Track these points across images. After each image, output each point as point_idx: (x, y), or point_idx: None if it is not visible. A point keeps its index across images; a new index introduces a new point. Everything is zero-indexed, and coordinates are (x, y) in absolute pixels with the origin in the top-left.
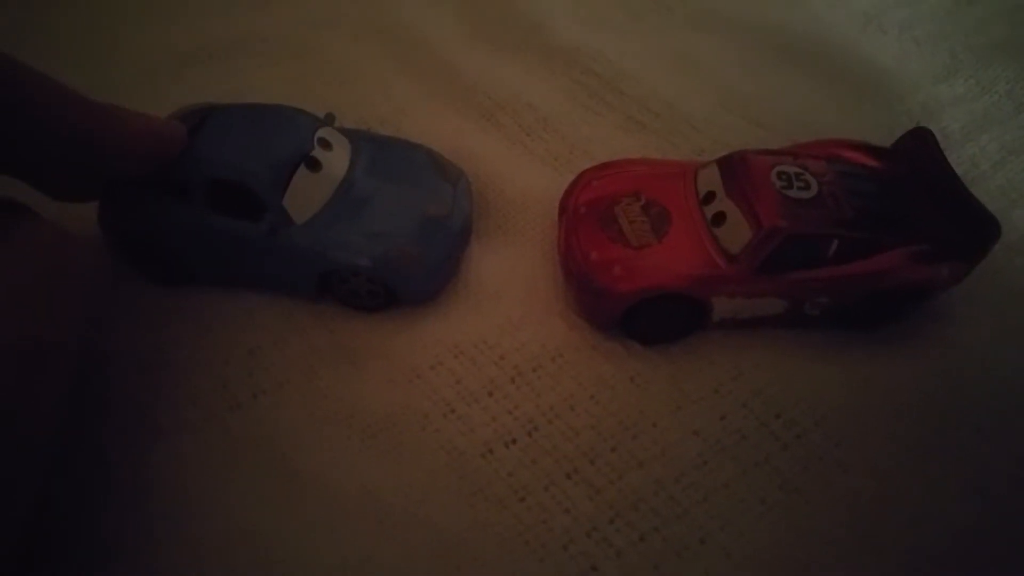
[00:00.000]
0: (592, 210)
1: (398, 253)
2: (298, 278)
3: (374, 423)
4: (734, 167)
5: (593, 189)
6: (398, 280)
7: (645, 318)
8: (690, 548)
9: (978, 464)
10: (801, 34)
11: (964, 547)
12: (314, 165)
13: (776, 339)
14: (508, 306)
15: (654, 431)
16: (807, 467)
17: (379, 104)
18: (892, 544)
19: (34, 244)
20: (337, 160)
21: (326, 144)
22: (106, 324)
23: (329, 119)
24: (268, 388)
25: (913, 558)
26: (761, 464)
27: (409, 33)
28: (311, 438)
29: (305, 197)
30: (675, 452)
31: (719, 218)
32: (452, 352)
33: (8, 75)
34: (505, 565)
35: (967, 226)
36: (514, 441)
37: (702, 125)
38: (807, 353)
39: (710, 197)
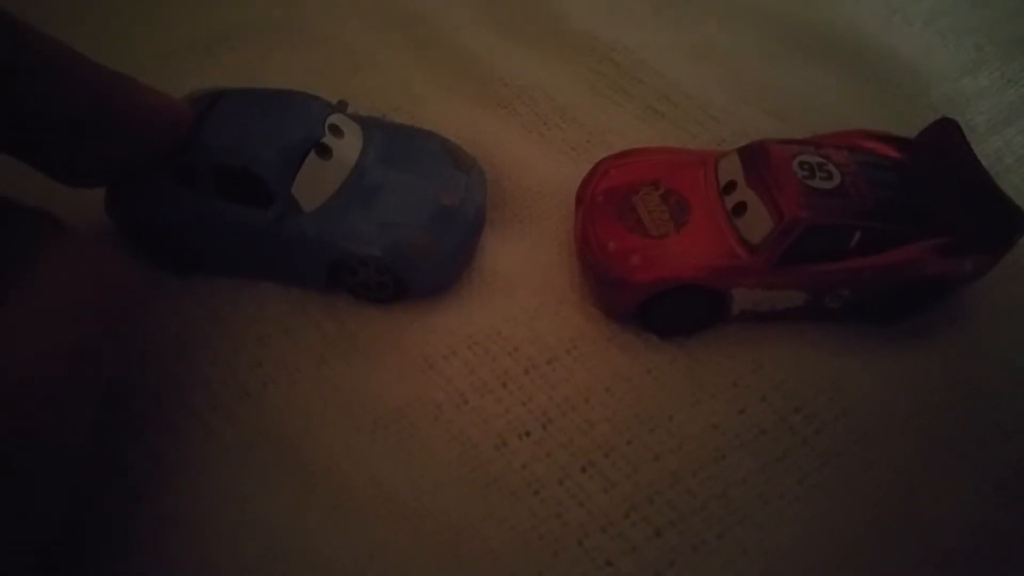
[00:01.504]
0: (610, 199)
1: (409, 243)
2: (307, 268)
3: (386, 414)
4: (755, 156)
5: (611, 178)
6: (409, 271)
7: (663, 309)
8: (707, 543)
9: (1000, 461)
10: (823, 25)
11: (986, 544)
12: (324, 152)
13: (796, 332)
14: (523, 297)
15: (671, 424)
16: (827, 462)
17: (395, 92)
18: (913, 541)
19: (80, 263)
20: (348, 147)
21: (337, 131)
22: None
23: (341, 106)
24: (278, 378)
25: (934, 555)
26: (781, 459)
27: (426, 22)
28: (322, 429)
29: (315, 185)
30: (692, 446)
31: (740, 208)
32: (466, 343)
33: (19, 37)
34: (518, 559)
35: (992, 218)
36: (528, 433)
37: (721, 116)
38: (828, 346)
39: (731, 187)
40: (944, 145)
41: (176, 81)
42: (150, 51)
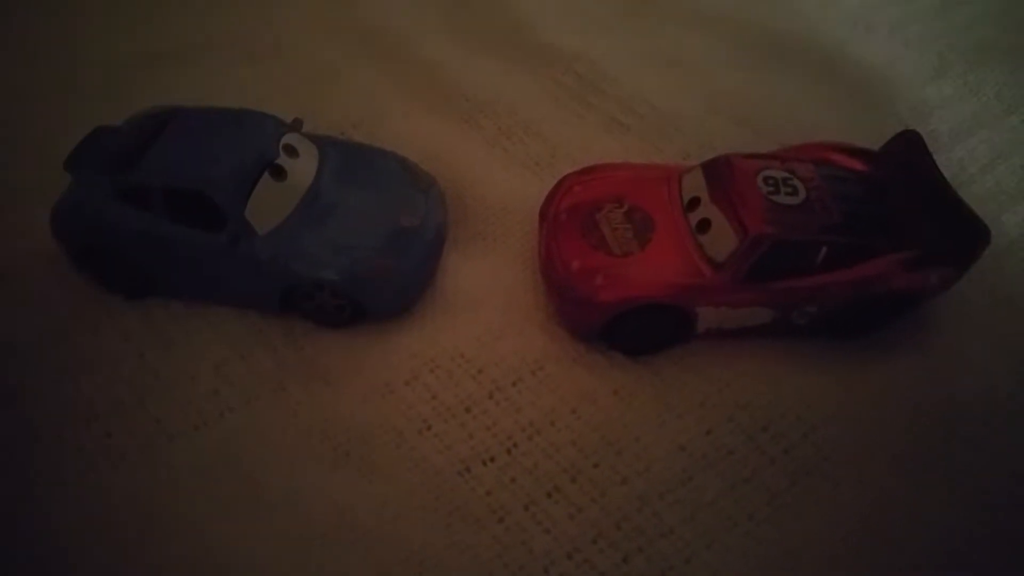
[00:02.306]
0: (573, 216)
1: (366, 266)
2: (261, 292)
3: (347, 440)
4: (719, 171)
5: (575, 195)
6: (366, 295)
7: (628, 328)
8: (675, 568)
9: (970, 474)
10: (789, 34)
11: (959, 559)
12: (279, 173)
13: (763, 349)
14: (486, 317)
15: (637, 446)
16: (795, 481)
17: (355, 106)
18: (885, 558)
19: None
20: (303, 168)
21: (292, 151)
22: (62, 339)
23: (296, 124)
24: (235, 406)
25: (907, 571)
26: (749, 479)
27: (389, 34)
28: (281, 457)
29: (269, 207)
30: (659, 468)
31: (704, 225)
32: (428, 366)
33: None
34: None
35: (957, 232)
36: (492, 459)
37: (688, 127)
38: (795, 363)
39: (695, 203)
40: (908, 157)
41: (132, 95)
42: (105, 63)
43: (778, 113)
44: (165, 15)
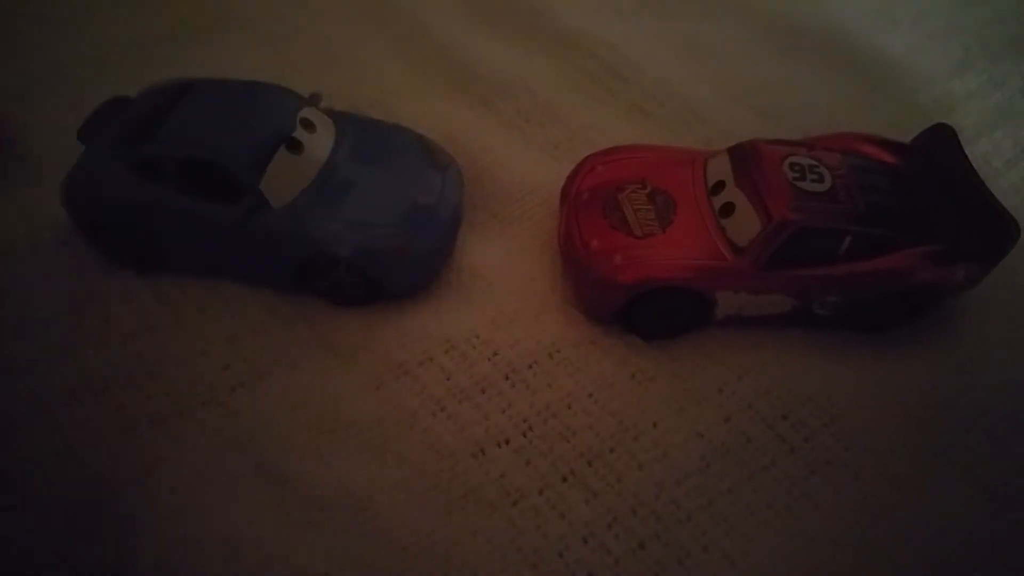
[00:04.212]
0: (595, 197)
1: (381, 243)
2: (275, 266)
3: (359, 421)
4: (746, 156)
5: (597, 175)
6: (381, 271)
7: (647, 311)
8: (692, 555)
9: (991, 469)
10: (811, 23)
11: (978, 553)
12: (295, 147)
13: (783, 338)
14: (502, 299)
15: (655, 432)
16: (815, 471)
17: (371, 86)
18: (903, 550)
19: None
20: (320, 143)
21: (309, 125)
22: (73, 313)
23: (314, 99)
24: (247, 382)
25: (925, 564)
26: (768, 468)
27: (405, 15)
28: (293, 436)
29: (285, 180)
30: (677, 454)
31: (727, 209)
32: (442, 347)
33: None
34: (496, 572)
35: (985, 227)
36: (507, 441)
37: (708, 114)
38: (816, 353)
39: (719, 187)
40: (939, 151)
41: (149, 71)
42: (124, 40)
43: (799, 103)
44: None
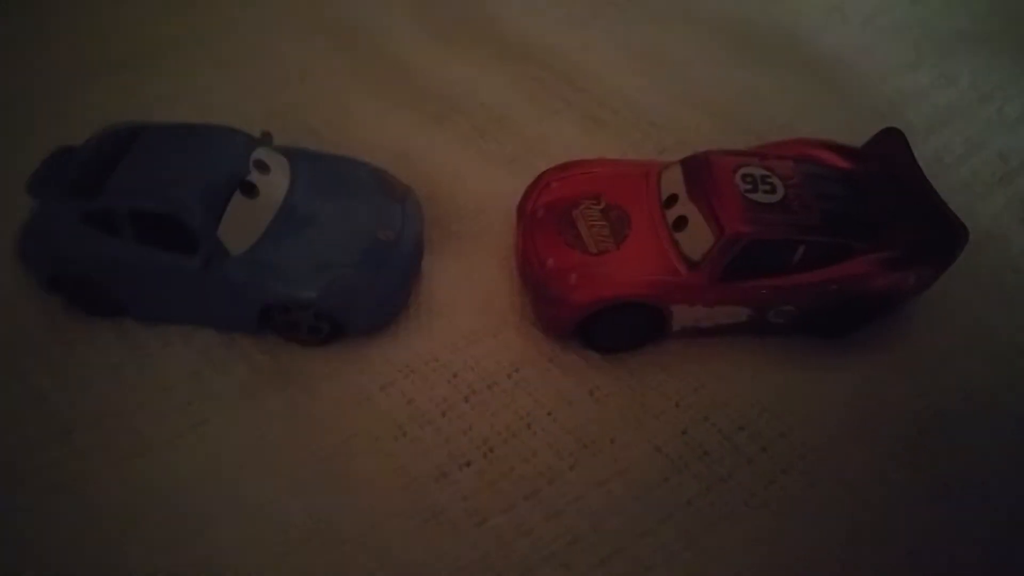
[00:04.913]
0: (551, 213)
1: (345, 284)
2: (237, 312)
3: (323, 448)
4: (698, 168)
5: (553, 191)
6: (346, 313)
7: (603, 327)
8: (654, 569)
9: (947, 471)
10: (763, 26)
11: (938, 550)
12: (250, 191)
13: (740, 348)
14: (461, 320)
15: (613, 448)
16: (773, 480)
17: (326, 106)
18: (863, 555)
19: None
20: (275, 184)
21: (263, 166)
22: (34, 353)
23: (266, 138)
24: (210, 416)
25: (885, 564)
26: (725, 479)
27: (358, 31)
28: (258, 465)
29: (242, 226)
30: (636, 469)
31: (680, 222)
32: (403, 372)
33: None
34: None
35: (935, 231)
36: (469, 464)
37: (664, 122)
38: (772, 362)
39: (672, 200)
40: (889, 155)
41: (98, 99)
42: (68, 67)
43: (754, 107)
44: (126, 18)
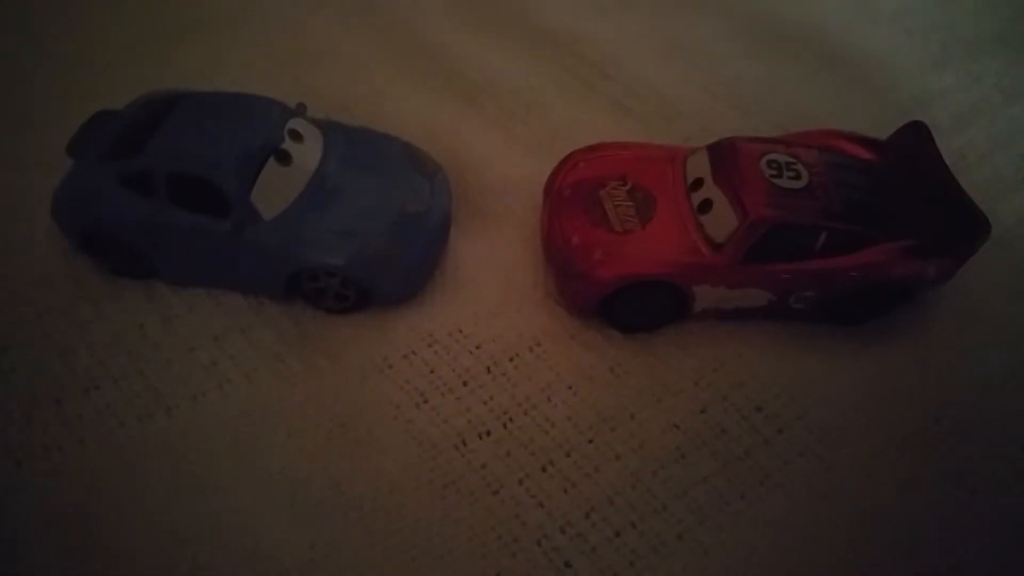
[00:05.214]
0: (577, 193)
1: (372, 253)
2: (266, 277)
3: (343, 413)
4: (724, 154)
5: (579, 171)
6: (372, 281)
7: (626, 305)
8: (667, 544)
9: (962, 459)
10: (791, 21)
11: (947, 540)
12: (284, 158)
13: (759, 332)
14: (485, 294)
15: (632, 423)
16: (789, 462)
17: (357, 85)
18: (876, 541)
19: None
20: (309, 153)
21: (297, 136)
22: (63, 311)
23: (300, 109)
24: (234, 378)
25: (896, 551)
26: (742, 459)
27: (391, 13)
28: (277, 428)
29: (274, 192)
30: (654, 445)
31: (705, 205)
32: (426, 341)
33: None
34: (476, 559)
35: (957, 223)
36: (488, 433)
37: (690, 112)
38: (791, 346)
39: (698, 184)
40: (914, 148)
41: (137, 74)
42: (110, 43)
43: (779, 100)
44: None
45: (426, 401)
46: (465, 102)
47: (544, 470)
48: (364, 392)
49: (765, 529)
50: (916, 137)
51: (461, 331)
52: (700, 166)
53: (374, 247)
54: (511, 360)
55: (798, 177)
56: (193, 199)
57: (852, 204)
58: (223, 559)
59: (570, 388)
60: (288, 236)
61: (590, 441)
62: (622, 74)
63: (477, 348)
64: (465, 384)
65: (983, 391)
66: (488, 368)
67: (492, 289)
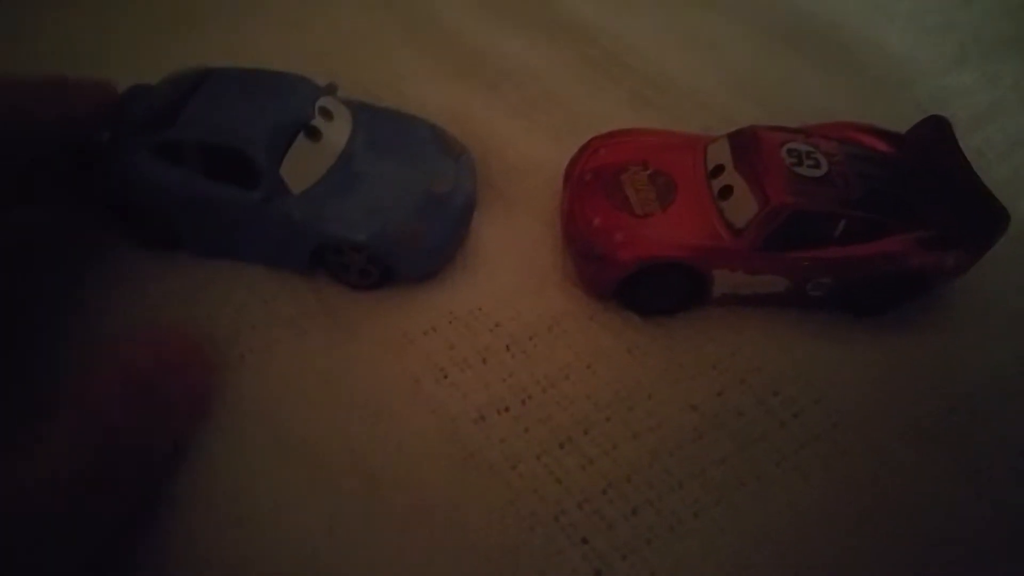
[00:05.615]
0: (598, 177)
1: (396, 230)
2: (291, 250)
3: (364, 387)
4: (745, 142)
5: (601, 156)
6: (395, 258)
7: (644, 288)
8: (684, 522)
9: (974, 450)
10: (810, 16)
11: (959, 527)
12: (314, 134)
13: (777, 318)
14: (505, 275)
15: (650, 403)
16: (804, 445)
17: (382, 71)
18: (887, 524)
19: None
20: (338, 131)
21: (327, 113)
22: (89, 281)
23: (331, 88)
24: (256, 349)
25: (907, 536)
26: (758, 441)
27: (416, 2)
28: (299, 400)
29: (303, 167)
30: (671, 425)
31: (726, 191)
32: (447, 318)
33: None
34: (494, 533)
35: (975, 216)
36: (507, 409)
37: (708, 103)
38: (808, 333)
39: (718, 170)
40: (934, 141)
41: (162, 60)
42: (135, 28)
43: (796, 95)
44: None
45: (446, 376)
46: (488, 89)
47: (562, 447)
48: (384, 365)
49: (780, 509)
50: (936, 131)
51: (481, 309)
52: (721, 153)
53: (399, 225)
54: (530, 339)
55: (818, 166)
56: (224, 171)
57: (871, 193)
58: (241, 526)
59: (588, 367)
60: (315, 210)
61: (608, 419)
62: (643, 66)
63: (497, 326)
64: (484, 361)
65: (997, 385)
66: (507, 346)
67: (513, 270)
